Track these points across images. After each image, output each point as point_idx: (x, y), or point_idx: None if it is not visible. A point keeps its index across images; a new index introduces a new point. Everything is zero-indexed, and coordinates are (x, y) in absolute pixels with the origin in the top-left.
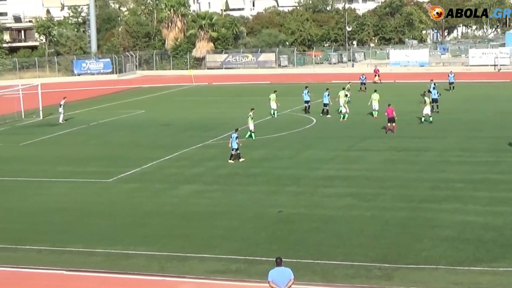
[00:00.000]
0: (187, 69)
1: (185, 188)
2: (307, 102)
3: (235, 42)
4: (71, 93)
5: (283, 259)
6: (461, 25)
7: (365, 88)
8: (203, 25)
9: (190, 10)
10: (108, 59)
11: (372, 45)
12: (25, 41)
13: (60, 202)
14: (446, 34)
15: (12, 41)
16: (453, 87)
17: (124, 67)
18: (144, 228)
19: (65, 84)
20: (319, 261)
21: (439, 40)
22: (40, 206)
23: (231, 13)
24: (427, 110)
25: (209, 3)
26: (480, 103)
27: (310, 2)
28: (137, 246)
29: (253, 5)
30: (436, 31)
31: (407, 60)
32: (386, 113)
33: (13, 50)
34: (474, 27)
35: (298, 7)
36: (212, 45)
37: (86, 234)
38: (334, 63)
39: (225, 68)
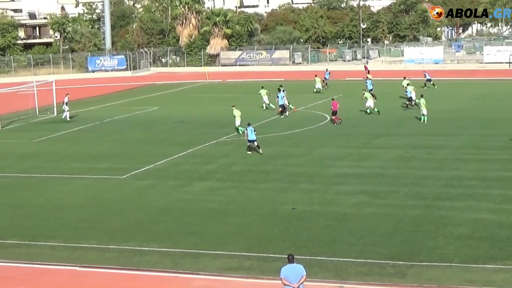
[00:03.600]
0: (201, 66)
1: (198, 185)
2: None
3: (249, 39)
4: (85, 90)
5: (295, 256)
6: (476, 22)
7: (326, 84)
8: (218, 22)
9: (204, 7)
10: (123, 56)
11: (386, 42)
12: (39, 37)
13: (73, 198)
14: (461, 31)
15: (26, 37)
16: (433, 84)
17: (138, 64)
18: (157, 225)
19: (79, 81)
20: (332, 259)
21: (454, 37)
22: (53, 202)
23: (245, 10)
24: (369, 103)
25: (223, 0)
26: (495, 101)
27: None
28: (150, 243)
29: (268, 2)
30: (451, 28)
31: (422, 58)
32: (331, 106)
33: (27, 47)
34: (489, 24)
35: (312, 4)
36: (226, 42)
37: (99, 231)
38: (348, 61)
39: (239, 65)
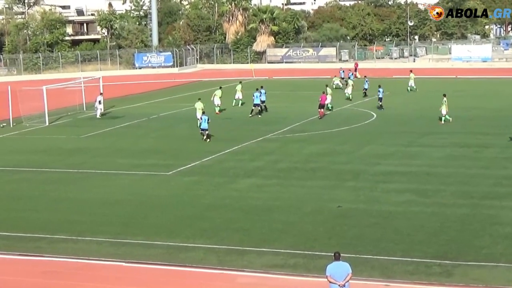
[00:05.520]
0: (247, 63)
1: (244, 182)
2: (256, 105)
3: (296, 36)
4: (132, 86)
5: (341, 254)
6: None
7: (346, 82)
8: (264, 19)
9: (251, 4)
10: (169, 53)
11: (434, 40)
12: (87, 34)
13: (120, 194)
14: (509, 29)
15: (74, 34)
16: (345, 80)
17: (185, 61)
18: (203, 221)
19: (126, 77)
20: (378, 257)
21: (503, 35)
22: (100, 198)
23: (292, 7)
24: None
25: None
26: None
27: None
28: (196, 239)
29: (314, 0)
30: (500, 26)
31: (469, 56)
32: (319, 99)
33: (75, 43)
34: None
35: (359, 2)
36: (273, 39)
37: (145, 227)
38: (395, 58)
39: (286, 62)
